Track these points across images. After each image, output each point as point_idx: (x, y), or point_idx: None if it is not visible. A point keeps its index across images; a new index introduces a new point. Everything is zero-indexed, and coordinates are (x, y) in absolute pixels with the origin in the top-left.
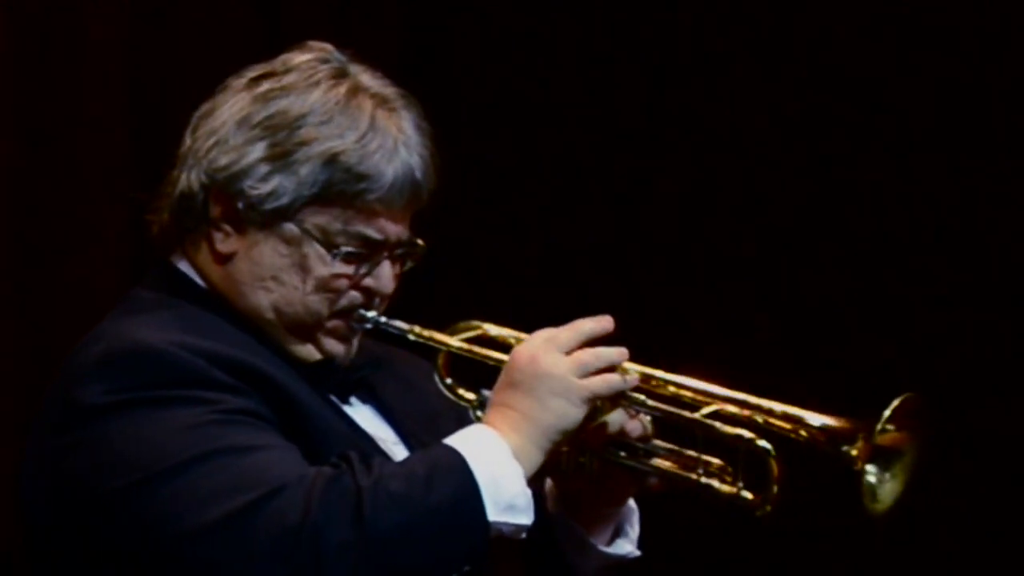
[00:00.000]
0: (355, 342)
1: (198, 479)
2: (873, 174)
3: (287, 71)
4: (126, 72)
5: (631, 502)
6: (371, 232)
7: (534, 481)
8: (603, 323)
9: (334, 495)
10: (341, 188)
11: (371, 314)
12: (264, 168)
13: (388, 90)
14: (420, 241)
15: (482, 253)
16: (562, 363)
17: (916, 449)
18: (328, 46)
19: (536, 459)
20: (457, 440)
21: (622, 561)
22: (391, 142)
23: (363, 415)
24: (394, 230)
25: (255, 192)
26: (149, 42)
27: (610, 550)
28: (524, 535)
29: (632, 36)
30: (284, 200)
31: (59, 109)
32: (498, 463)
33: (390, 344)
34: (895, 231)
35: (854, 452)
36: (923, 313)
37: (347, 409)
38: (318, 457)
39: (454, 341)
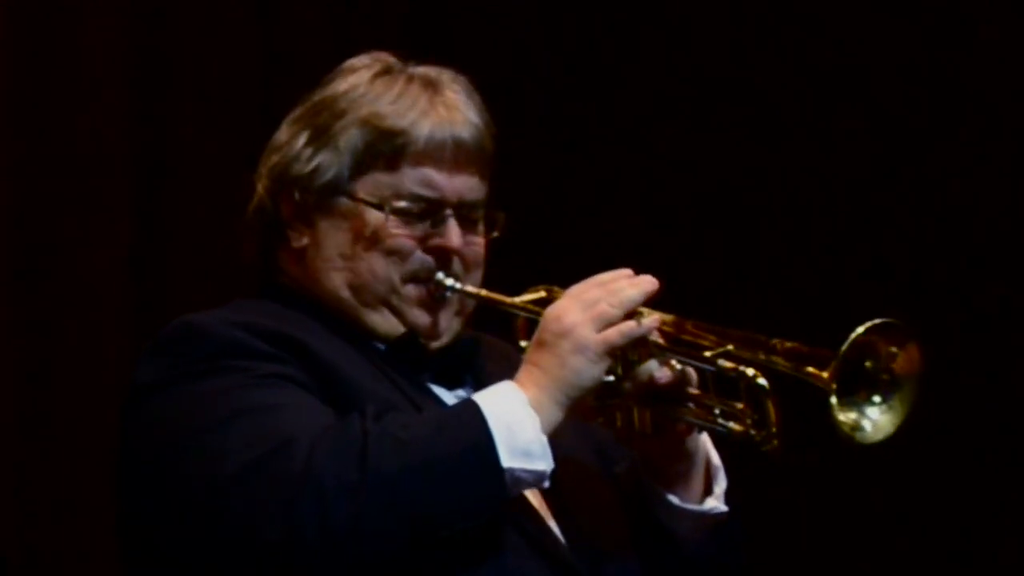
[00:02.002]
0: (443, 315)
1: (219, 440)
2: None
3: (332, 74)
4: (126, 72)
5: (716, 459)
6: (421, 189)
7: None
8: (635, 280)
9: (338, 441)
10: (380, 148)
11: (448, 280)
12: (308, 151)
13: (434, 71)
14: (499, 211)
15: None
16: (582, 319)
17: (913, 382)
18: (385, 54)
19: (554, 413)
20: (477, 394)
21: (708, 517)
22: (425, 101)
23: None
24: (450, 187)
25: (303, 173)
26: (149, 42)
27: (695, 507)
28: (547, 483)
29: (631, 34)
30: (330, 174)
31: (59, 109)
32: (513, 411)
33: (500, 337)
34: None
35: (825, 375)
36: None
37: (447, 396)
38: None
39: (518, 301)
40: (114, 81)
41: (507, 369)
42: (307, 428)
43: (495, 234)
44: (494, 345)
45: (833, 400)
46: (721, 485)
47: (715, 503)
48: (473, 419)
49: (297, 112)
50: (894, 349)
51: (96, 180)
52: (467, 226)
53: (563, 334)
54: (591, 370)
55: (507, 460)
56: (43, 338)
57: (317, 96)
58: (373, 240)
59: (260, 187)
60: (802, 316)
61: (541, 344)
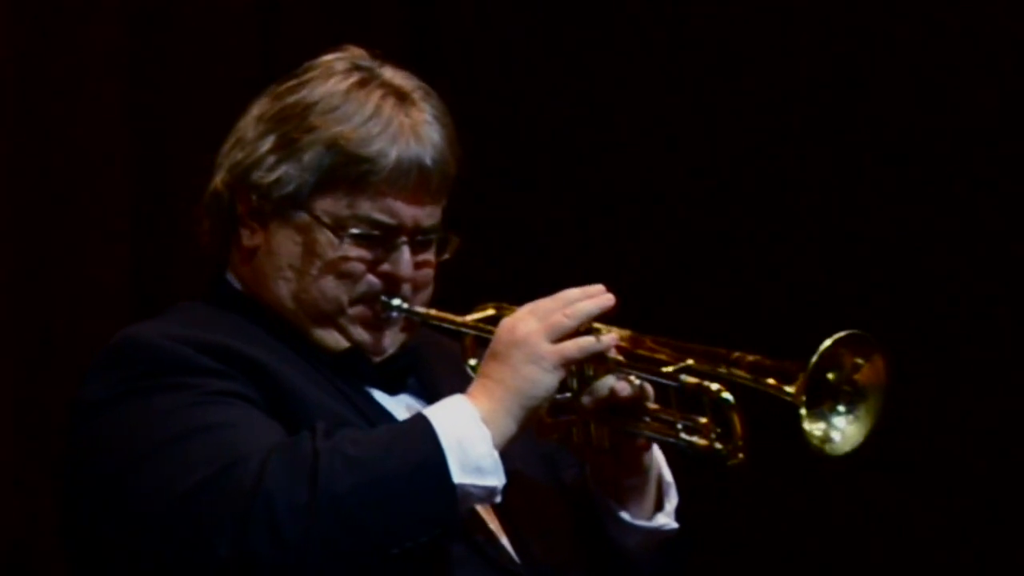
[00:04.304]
0: (388, 333)
1: (171, 458)
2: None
3: (307, 70)
4: (126, 72)
5: (668, 475)
6: (380, 215)
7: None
8: (592, 294)
9: (289, 459)
10: (344, 171)
11: (395, 301)
12: (272, 158)
13: (407, 83)
14: (453, 235)
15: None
16: (536, 329)
17: (878, 392)
18: (359, 50)
19: (508, 425)
20: (429, 409)
21: (659, 534)
22: (396, 126)
23: (405, 411)
24: (409, 214)
25: (264, 181)
26: (149, 42)
27: (645, 523)
28: (498, 498)
29: (631, 36)
30: (291, 187)
31: (59, 109)
32: (464, 427)
33: (449, 340)
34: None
35: (792, 390)
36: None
37: (389, 402)
38: None
39: (468, 320)
40: (114, 80)
41: (451, 368)
42: (258, 446)
43: (446, 256)
44: (435, 343)
45: (803, 413)
46: (672, 501)
47: (666, 519)
48: (424, 435)
49: (265, 106)
50: (859, 360)
51: (96, 180)
52: (420, 248)
53: (516, 344)
54: (545, 380)
55: (458, 476)
56: (43, 338)
57: (290, 98)
58: (325, 260)
59: (218, 178)
60: (760, 326)
61: (494, 356)
